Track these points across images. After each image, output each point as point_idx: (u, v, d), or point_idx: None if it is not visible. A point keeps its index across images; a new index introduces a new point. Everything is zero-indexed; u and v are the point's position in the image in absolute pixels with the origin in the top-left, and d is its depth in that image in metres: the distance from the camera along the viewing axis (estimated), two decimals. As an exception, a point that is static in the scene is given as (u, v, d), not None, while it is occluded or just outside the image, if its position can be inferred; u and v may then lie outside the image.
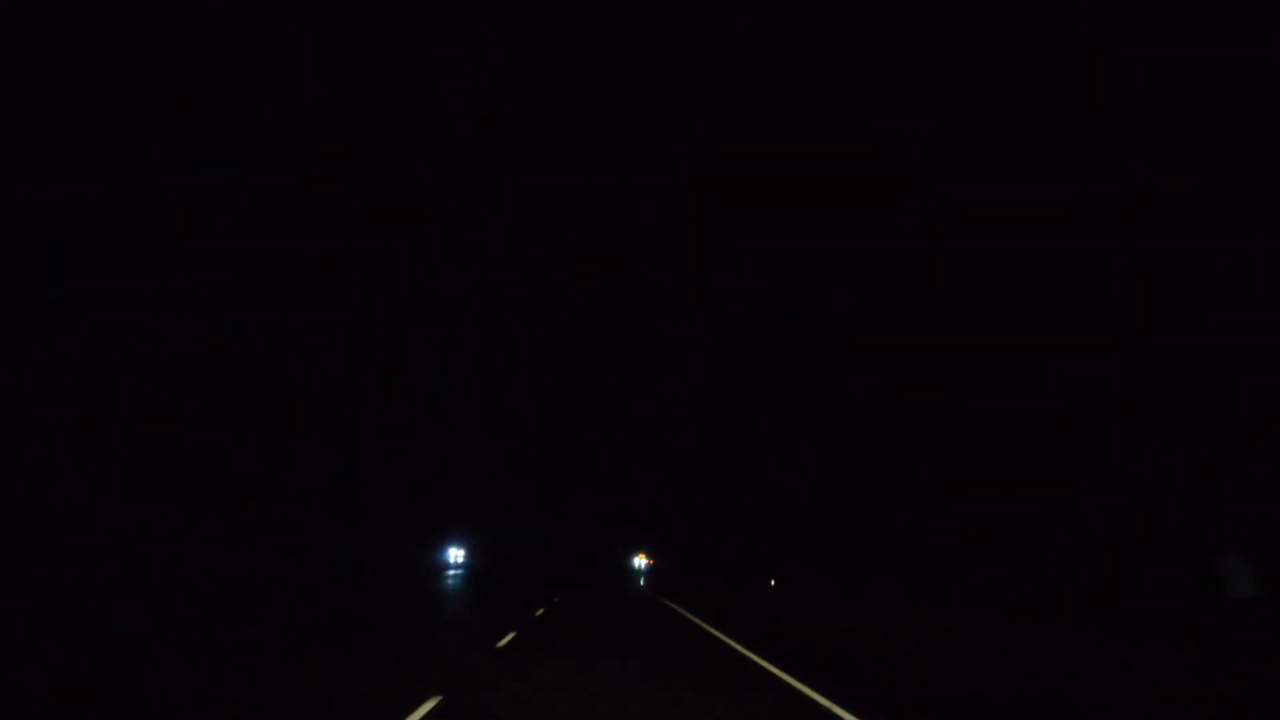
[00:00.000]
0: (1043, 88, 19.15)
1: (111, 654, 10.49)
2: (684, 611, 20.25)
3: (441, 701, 7.53)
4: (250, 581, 24.68)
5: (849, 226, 26.62)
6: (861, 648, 12.38)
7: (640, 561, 72.93)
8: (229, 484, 29.54)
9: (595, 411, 67.40)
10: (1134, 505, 16.21)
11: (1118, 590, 15.00)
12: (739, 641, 13.01)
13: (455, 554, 53.18)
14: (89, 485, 23.59)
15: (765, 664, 10.43)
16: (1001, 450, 20.03)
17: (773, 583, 36.72)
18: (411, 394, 47.36)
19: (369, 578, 33.73)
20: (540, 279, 57.60)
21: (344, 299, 37.39)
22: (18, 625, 13.67)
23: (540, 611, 19.32)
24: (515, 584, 36.10)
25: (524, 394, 65.04)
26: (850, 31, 26.27)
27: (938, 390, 22.47)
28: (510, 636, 13.13)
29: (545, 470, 69.23)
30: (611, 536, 74.82)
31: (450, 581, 39.79)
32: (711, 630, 15.16)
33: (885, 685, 9.16)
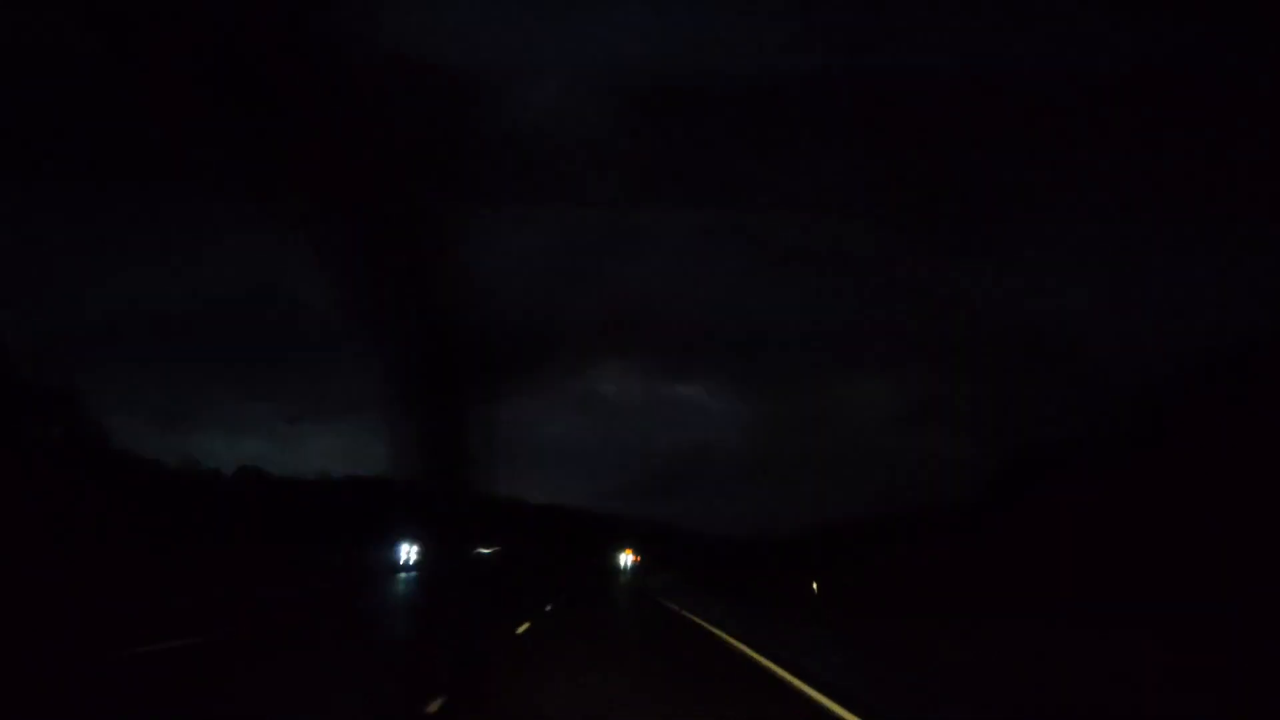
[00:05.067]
0: None
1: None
2: None
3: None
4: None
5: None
6: None
7: (627, 559, 65.78)
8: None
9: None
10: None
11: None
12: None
13: (407, 551, 43.90)
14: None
15: None
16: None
17: (815, 587, 28.06)
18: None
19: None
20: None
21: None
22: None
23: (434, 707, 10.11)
24: (465, 596, 27.08)
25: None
26: None
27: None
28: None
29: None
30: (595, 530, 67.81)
31: (399, 586, 31.14)
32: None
33: None
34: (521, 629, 16.32)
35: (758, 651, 12.64)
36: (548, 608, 23.12)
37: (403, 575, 39.58)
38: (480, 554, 52.97)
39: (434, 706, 7.56)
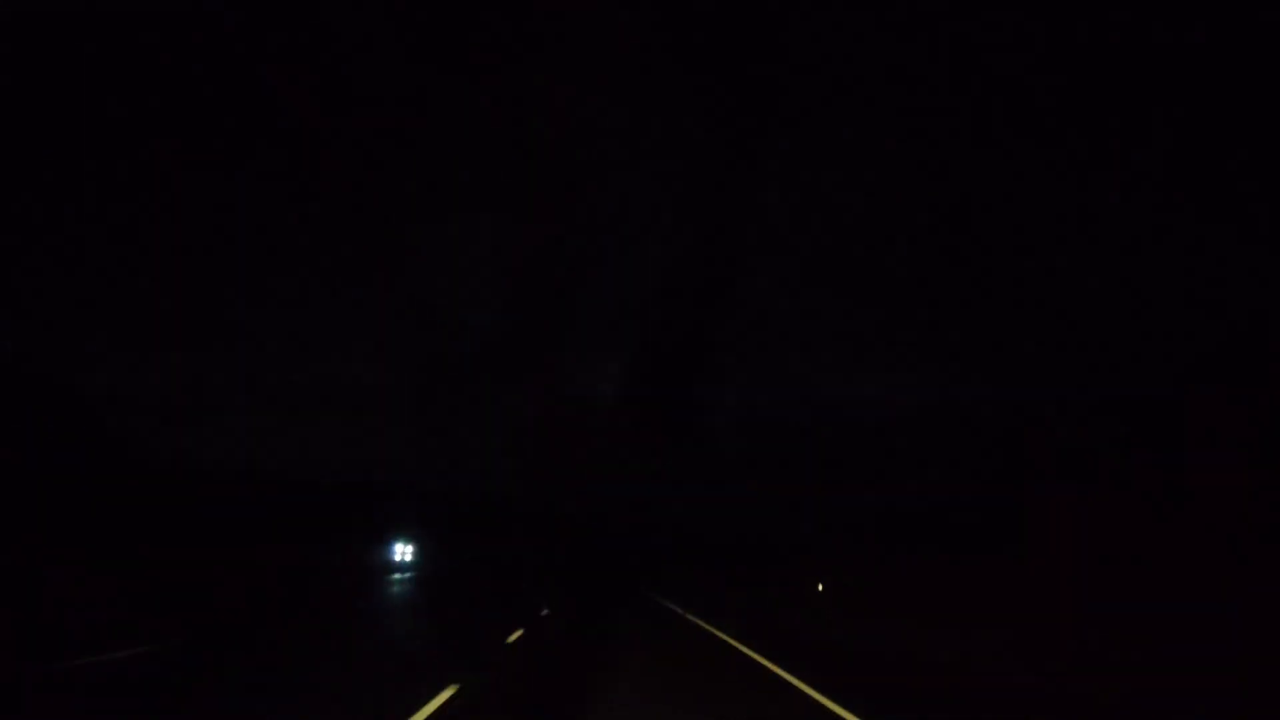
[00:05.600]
0: None
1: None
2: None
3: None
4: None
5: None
6: None
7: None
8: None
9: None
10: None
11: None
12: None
13: (402, 550, 43.87)
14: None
15: None
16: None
17: (820, 588, 28.00)
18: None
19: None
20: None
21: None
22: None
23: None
24: (465, 596, 27.10)
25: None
26: None
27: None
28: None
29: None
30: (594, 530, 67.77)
31: (397, 586, 31.02)
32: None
33: None
34: (520, 630, 16.31)
35: (758, 652, 12.63)
36: (545, 610, 23.11)
37: (400, 575, 39.58)
38: (479, 554, 52.98)
39: (434, 706, 7.56)
